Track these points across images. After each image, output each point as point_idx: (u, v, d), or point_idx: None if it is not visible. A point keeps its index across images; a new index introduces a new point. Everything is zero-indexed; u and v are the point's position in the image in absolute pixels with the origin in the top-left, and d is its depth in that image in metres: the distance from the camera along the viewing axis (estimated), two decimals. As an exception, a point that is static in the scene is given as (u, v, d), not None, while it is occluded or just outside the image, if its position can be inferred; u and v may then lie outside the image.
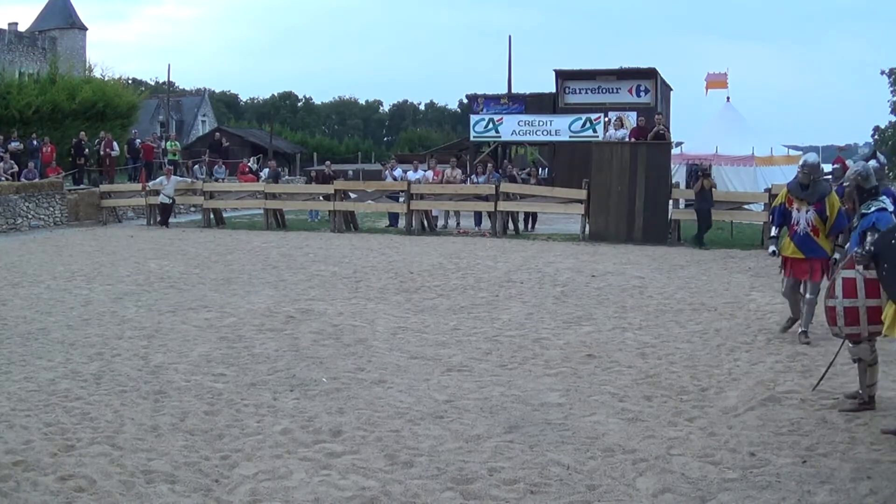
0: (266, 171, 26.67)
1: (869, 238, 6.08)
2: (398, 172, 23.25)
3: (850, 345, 6.19)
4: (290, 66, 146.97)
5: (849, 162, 12.11)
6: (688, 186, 19.68)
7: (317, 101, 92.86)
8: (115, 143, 27.59)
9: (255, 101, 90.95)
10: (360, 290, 11.89)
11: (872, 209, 6.26)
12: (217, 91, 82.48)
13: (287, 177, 35.05)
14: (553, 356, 7.97)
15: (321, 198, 22.56)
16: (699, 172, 18.31)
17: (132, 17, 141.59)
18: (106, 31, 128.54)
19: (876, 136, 45.60)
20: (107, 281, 12.62)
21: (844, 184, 6.68)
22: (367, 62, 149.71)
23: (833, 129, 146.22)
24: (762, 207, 18.17)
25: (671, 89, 32.83)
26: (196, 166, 29.10)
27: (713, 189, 17.94)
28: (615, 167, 18.62)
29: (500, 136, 29.89)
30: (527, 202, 20.47)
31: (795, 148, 31.83)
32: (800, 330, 8.55)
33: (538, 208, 20.83)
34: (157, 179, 23.69)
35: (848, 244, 6.99)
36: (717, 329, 9.22)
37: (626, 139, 21.57)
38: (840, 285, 6.07)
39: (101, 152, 27.09)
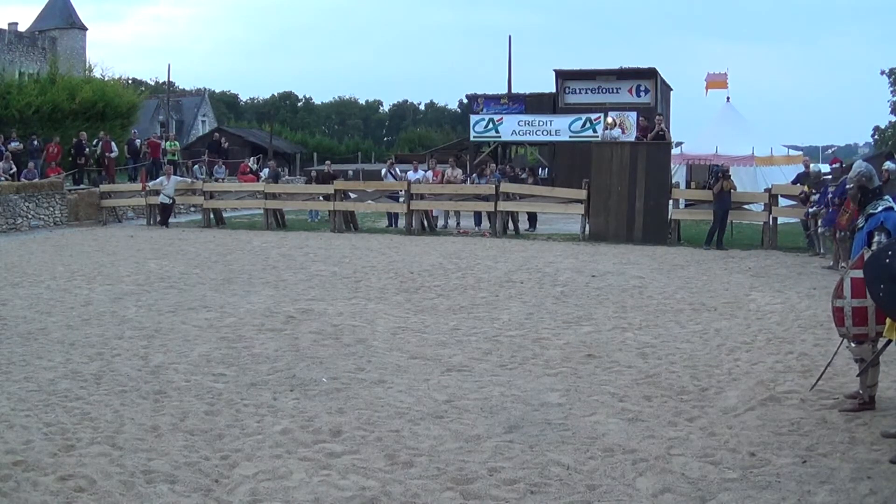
0: (266, 170, 26.67)
1: (877, 237, 6.06)
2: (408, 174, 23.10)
3: (853, 345, 6.19)
4: (290, 66, 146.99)
5: (857, 162, 12.08)
6: (707, 187, 19.65)
7: (317, 101, 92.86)
8: (113, 145, 27.51)
9: (255, 101, 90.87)
10: (360, 290, 11.89)
11: (880, 208, 6.24)
12: (217, 91, 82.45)
13: (287, 177, 35.06)
14: (553, 356, 7.97)
15: (321, 198, 22.55)
16: (719, 174, 18.26)
17: (127, 18, 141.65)
18: (102, 31, 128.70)
19: (876, 136, 45.64)
20: (107, 281, 12.62)
21: (847, 186, 6.64)
22: (367, 62, 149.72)
23: (833, 129, 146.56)
24: (762, 207, 18.20)
25: (671, 89, 32.85)
26: (196, 166, 29.10)
27: (732, 191, 17.89)
28: (615, 167, 18.61)
29: (500, 136, 29.91)
30: (527, 202, 20.47)
31: (795, 148, 31.87)
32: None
33: (538, 208, 20.82)
34: (158, 179, 23.69)
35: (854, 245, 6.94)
36: (717, 329, 9.21)
37: (620, 138, 21.63)
38: (849, 285, 6.05)
39: (100, 152, 27.08)
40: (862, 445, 5.45)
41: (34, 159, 25.22)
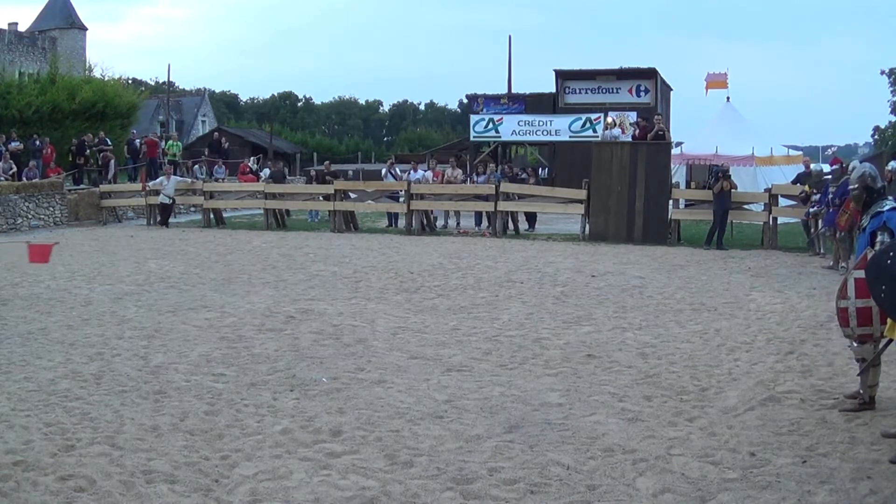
0: (266, 170, 26.64)
1: (879, 237, 6.06)
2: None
3: (856, 345, 6.19)
4: (290, 66, 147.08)
5: (854, 163, 12.09)
6: (707, 187, 19.67)
7: (317, 101, 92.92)
8: (112, 163, 27.24)
9: (255, 101, 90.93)
10: (360, 290, 11.89)
11: (886, 207, 6.24)
12: (217, 91, 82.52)
13: (287, 177, 35.00)
14: (553, 356, 7.97)
15: (321, 198, 22.56)
16: (719, 174, 18.26)
17: (127, 18, 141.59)
18: (101, 31, 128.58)
19: (876, 136, 45.62)
20: (107, 281, 12.62)
21: (851, 186, 6.64)
22: (367, 62, 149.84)
23: (833, 129, 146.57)
24: (762, 207, 18.20)
25: (671, 89, 32.85)
26: (196, 166, 29.10)
27: (732, 190, 17.88)
28: (615, 167, 18.62)
29: (500, 136, 29.91)
30: (527, 202, 20.47)
31: (795, 148, 31.85)
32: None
33: (538, 208, 20.83)
34: (158, 179, 23.70)
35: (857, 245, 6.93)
36: (717, 329, 9.21)
37: (620, 138, 21.63)
38: (852, 286, 6.04)
39: (100, 161, 27.08)
40: (862, 445, 5.45)
41: (35, 159, 25.23)
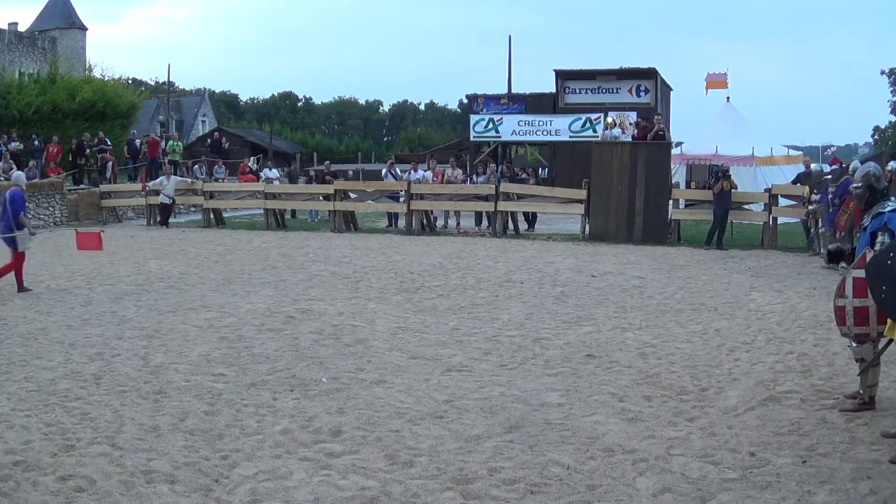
0: (274, 171, 26.65)
1: (880, 238, 6.06)
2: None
3: (854, 344, 6.19)
4: (290, 66, 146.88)
5: (855, 163, 12.08)
6: (707, 187, 19.65)
7: (317, 101, 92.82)
8: (109, 165, 27.24)
9: (255, 101, 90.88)
10: (360, 290, 11.89)
11: (888, 208, 6.24)
12: (217, 91, 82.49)
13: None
14: (553, 356, 7.97)
15: (321, 198, 22.57)
16: (719, 174, 18.25)
17: (126, 18, 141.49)
18: (100, 31, 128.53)
19: (876, 136, 45.63)
20: (107, 281, 12.62)
21: (854, 185, 6.64)
22: (367, 62, 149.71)
23: (833, 129, 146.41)
24: (762, 207, 18.20)
25: (671, 89, 32.87)
26: (196, 166, 29.11)
27: (732, 190, 17.88)
28: (615, 167, 18.62)
29: (500, 136, 29.92)
30: (527, 202, 20.47)
31: (795, 148, 31.82)
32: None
33: (538, 208, 20.83)
34: (158, 179, 23.71)
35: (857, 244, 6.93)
36: (717, 329, 9.21)
37: (620, 138, 21.64)
38: (850, 285, 6.04)
39: (99, 161, 27.07)
40: (862, 445, 5.45)
41: (35, 159, 25.20)
